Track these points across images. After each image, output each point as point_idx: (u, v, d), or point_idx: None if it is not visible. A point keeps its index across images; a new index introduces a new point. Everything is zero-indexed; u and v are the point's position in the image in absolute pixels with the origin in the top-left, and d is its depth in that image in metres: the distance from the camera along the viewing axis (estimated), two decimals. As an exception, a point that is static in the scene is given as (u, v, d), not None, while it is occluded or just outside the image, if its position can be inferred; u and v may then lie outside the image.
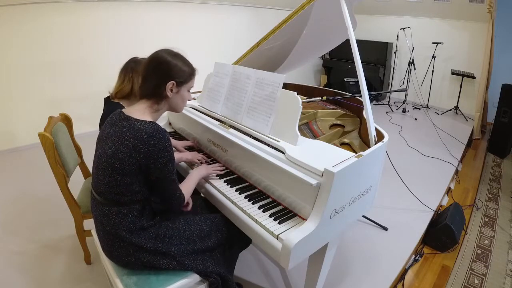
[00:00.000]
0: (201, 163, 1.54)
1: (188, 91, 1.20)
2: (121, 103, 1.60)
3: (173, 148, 1.72)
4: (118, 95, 1.58)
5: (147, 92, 1.12)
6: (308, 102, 1.93)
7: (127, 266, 1.13)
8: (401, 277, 1.87)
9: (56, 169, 1.52)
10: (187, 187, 1.27)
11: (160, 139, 1.03)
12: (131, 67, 1.58)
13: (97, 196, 1.12)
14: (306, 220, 1.09)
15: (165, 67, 1.10)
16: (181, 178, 1.56)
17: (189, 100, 1.23)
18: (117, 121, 1.10)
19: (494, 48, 4.26)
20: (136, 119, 1.06)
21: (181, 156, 1.57)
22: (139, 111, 1.11)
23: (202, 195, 1.47)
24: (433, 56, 5.08)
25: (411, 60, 5.16)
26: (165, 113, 1.80)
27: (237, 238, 1.31)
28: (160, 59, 1.11)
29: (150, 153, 1.02)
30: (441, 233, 2.10)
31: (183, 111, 1.80)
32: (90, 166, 1.32)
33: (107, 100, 1.61)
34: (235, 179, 1.43)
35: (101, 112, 1.60)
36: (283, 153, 1.24)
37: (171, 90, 1.12)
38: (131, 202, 1.08)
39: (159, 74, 1.10)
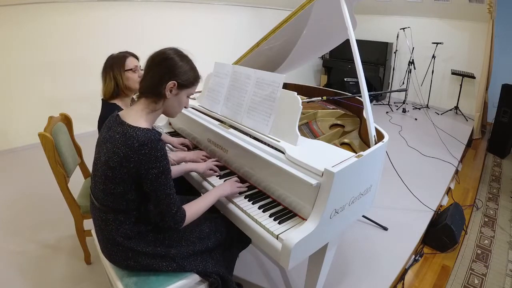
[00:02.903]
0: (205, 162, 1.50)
1: (188, 97, 1.13)
2: (116, 103, 1.57)
3: (169, 144, 1.74)
4: (107, 96, 1.56)
5: (146, 88, 1.06)
6: (308, 102, 1.92)
7: (127, 268, 1.13)
8: (401, 277, 1.87)
9: (56, 169, 1.53)
10: (198, 207, 1.15)
11: (151, 149, 0.97)
12: (110, 64, 1.54)
13: (95, 201, 1.10)
14: (306, 220, 1.10)
15: (169, 64, 1.04)
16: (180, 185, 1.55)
17: (185, 107, 1.17)
18: (113, 125, 1.05)
19: (494, 48, 4.26)
20: (130, 125, 1.00)
21: (184, 156, 1.55)
22: (134, 114, 1.05)
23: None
24: (433, 56, 5.07)
25: (411, 60, 5.15)
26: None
27: (236, 238, 1.31)
28: (166, 56, 1.05)
29: (141, 163, 0.97)
30: (441, 233, 2.10)
31: (184, 111, 1.80)
32: (90, 166, 1.31)
33: (104, 101, 1.60)
34: (235, 179, 1.42)
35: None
36: (283, 153, 1.24)
37: (170, 91, 1.05)
38: (127, 210, 1.06)
39: (161, 71, 1.04)
